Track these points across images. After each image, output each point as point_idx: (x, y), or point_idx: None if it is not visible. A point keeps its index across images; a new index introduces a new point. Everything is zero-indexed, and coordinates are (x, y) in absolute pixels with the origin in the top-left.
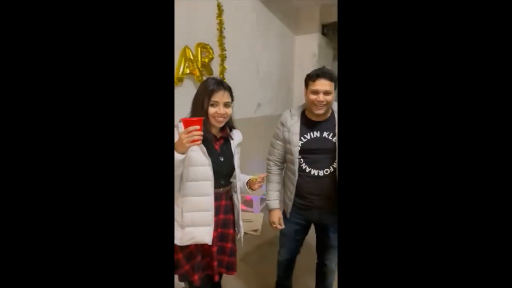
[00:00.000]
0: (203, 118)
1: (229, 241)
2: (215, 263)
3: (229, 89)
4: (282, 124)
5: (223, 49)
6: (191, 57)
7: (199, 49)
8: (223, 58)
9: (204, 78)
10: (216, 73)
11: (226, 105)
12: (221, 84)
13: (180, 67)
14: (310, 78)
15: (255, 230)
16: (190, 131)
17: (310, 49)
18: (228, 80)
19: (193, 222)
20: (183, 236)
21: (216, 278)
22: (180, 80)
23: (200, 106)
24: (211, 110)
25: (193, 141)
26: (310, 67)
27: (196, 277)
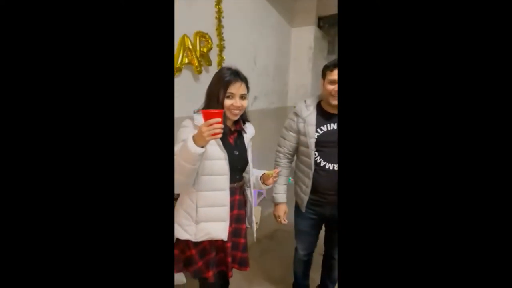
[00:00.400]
0: (223, 110)
1: (242, 236)
2: (230, 259)
3: (245, 80)
4: (297, 115)
5: (221, 38)
6: (190, 46)
7: (197, 38)
8: (221, 48)
9: (203, 68)
10: (214, 64)
11: (242, 97)
12: (238, 75)
13: (178, 57)
14: (328, 68)
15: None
16: (211, 124)
17: (306, 42)
18: None
19: (208, 217)
20: (197, 232)
21: (230, 274)
22: (179, 70)
23: (215, 98)
24: (227, 102)
25: (214, 134)
26: (305, 60)
27: (210, 273)
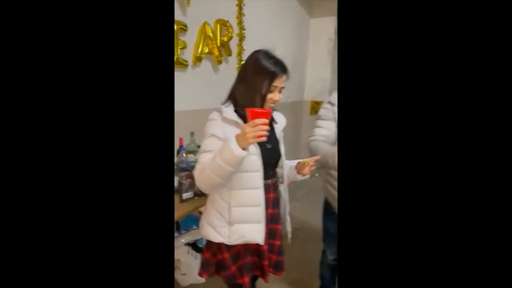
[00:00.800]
0: (271, 110)
1: (277, 238)
2: (266, 263)
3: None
4: (332, 104)
5: (241, 27)
6: (210, 35)
7: (218, 25)
8: (241, 37)
9: (222, 59)
10: (233, 54)
11: (281, 90)
12: (283, 67)
13: (199, 45)
14: None
15: None
16: (257, 125)
17: (326, 33)
18: None
19: (243, 218)
20: (231, 234)
21: (267, 279)
22: (199, 59)
23: (254, 89)
24: (267, 95)
25: (259, 136)
26: (325, 53)
27: (246, 279)
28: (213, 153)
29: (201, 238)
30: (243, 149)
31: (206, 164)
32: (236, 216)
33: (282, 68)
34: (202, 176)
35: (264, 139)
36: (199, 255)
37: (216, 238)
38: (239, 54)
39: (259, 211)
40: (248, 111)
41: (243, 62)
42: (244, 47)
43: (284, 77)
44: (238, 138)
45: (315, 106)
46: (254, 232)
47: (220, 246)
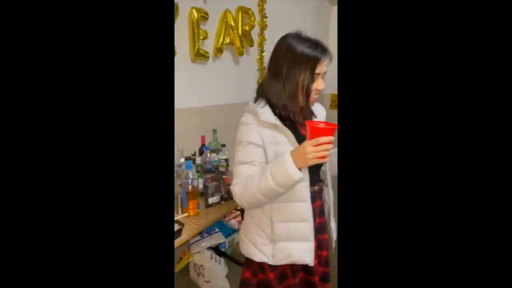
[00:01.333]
0: (336, 125)
1: (324, 248)
2: (317, 279)
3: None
4: None
5: (263, 15)
6: (232, 24)
7: (240, 13)
8: (263, 26)
9: (243, 50)
10: (255, 45)
11: (323, 76)
12: (323, 48)
13: (220, 35)
14: None
15: None
16: (321, 144)
17: None
18: (267, 53)
19: (288, 236)
20: (275, 253)
21: None
22: (220, 51)
23: (297, 83)
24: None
25: (322, 157)
26: None
27: None
28: (253, 164)
29: (224, 242)
30: (299, 169)
31: (250, 180)
32: (281, 233)
33: (322, 50)
34: (246, 194)
35: (326, 160)
36: (222, 260)
37: (259, 257)
38: (261, 44)
39: (307, 227)
40: (309, 127)
41: (264, 53)
42: (266, 37)
43: (326, 60)
44: (295, 157)
45: (336, 100)
46: (303, 252)
47: (262, 265)
